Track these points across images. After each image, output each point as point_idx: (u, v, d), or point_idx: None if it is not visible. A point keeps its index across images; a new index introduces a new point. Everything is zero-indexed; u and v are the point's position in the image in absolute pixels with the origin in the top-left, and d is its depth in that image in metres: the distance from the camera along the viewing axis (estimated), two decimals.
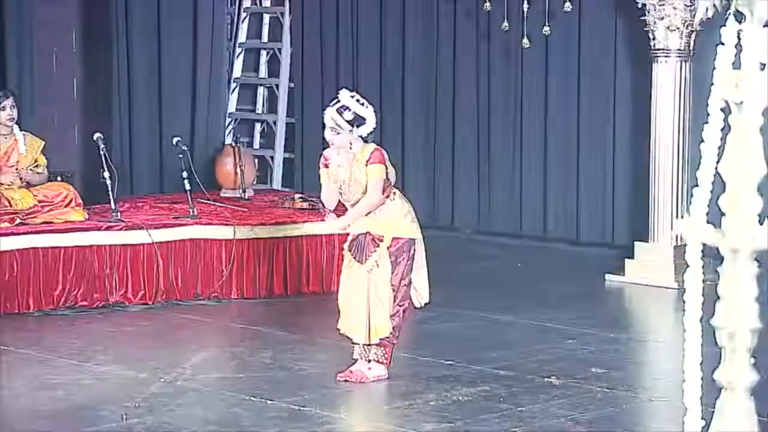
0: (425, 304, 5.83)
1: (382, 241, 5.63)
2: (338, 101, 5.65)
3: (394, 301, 5.62)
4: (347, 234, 5.81)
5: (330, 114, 5.62)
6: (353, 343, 5.73)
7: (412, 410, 5.30)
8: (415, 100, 10.18)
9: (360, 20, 10.23)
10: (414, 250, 5.69)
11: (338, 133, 5.62)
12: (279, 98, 10.57)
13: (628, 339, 6.69)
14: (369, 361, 5.70)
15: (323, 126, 5.69)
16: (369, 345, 5.68)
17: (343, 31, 10.30)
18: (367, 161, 5.63)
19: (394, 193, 5.73)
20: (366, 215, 5.67)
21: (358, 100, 5.66)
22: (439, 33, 9.91)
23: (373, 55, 10.15)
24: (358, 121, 5.63)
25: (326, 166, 5.75)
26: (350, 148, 5.66)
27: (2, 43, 8.69)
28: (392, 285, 5.60)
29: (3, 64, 8.66)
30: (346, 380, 5.66)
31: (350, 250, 5.73)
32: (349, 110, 5.61)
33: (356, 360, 5.73)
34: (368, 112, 5.66)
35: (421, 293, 5.77)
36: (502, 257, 9.27)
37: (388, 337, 5.65)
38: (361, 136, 5.66)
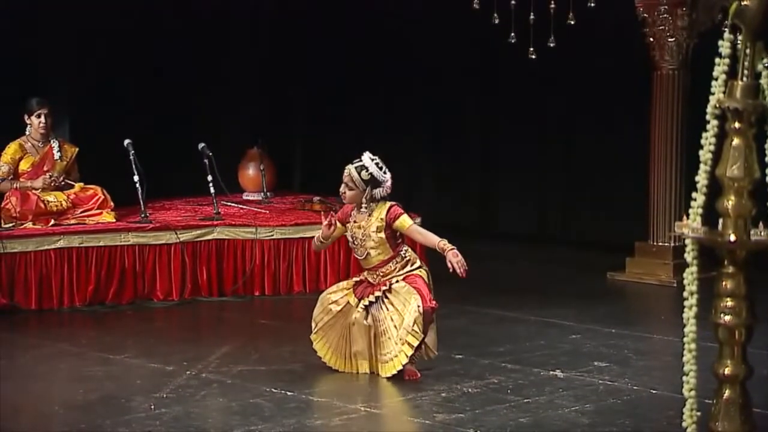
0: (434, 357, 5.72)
1: (392, 282, 5.60)
2: (359, 161, 5.67)
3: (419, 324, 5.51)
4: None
5: (349, 171, 5.65)
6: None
7: (423, 401, 5.29)
8: (417, 101, 10.18)
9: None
10: (428, 282, 5.64)
11: (351, 189, 5.64)
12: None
13: (629, 334, 6.66)
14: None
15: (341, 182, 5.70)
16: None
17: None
18: (390, 219, 5.60)
19: (407, 249, 5.72)
20: (382, 270, 5.62)
21: (377, 164, 5.66)
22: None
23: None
24: (373, 183, 5.64)
25: (342, 221, 5.74)
26: (362, 206, 5.65)
27: None
28: (417, 297, 5.51)
29: None
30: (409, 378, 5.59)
31: (354, 291, 5.70)
32: (367, 171, 5.64)
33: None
34: (386, 177, 5.67)
35: (431, 348, 5.67)
36: (507, 257, 9.24)
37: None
38: (372, 199, 5.65)
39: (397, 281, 5.61)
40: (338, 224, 5.76)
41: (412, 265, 5.67)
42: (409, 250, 5.76)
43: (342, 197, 5.75)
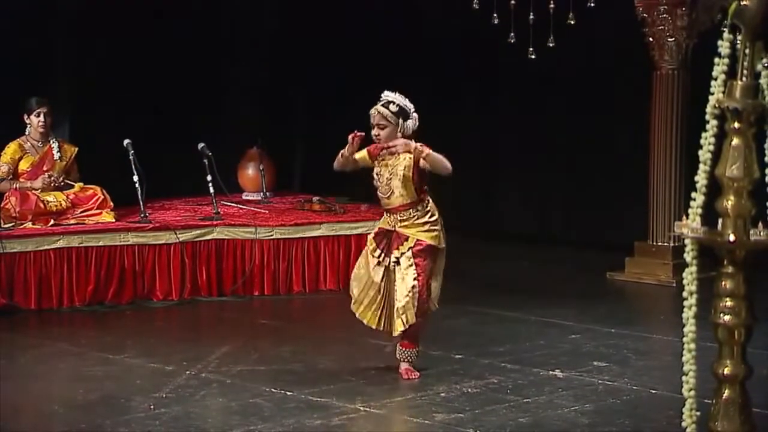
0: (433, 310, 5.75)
1: (406, 240, 5.58)
2: (383, 99, 5.63)
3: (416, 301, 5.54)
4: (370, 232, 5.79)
5: (376, 109, 5.59)
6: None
7: (423, 401, 5.29)
8: (417, 101, 10.17)
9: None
10: (434, 258, 5.62)
11: (385, 127, 5.57)
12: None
13: (629, 334, 6.66)
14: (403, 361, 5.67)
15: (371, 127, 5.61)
16: (399, 337, 5.64)
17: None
18: (426, 154, 5.50)
19: (429, 201, 5.67)
20: (402, 215, 5.58)
21: (402, 96, 5.63)
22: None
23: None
24: (403, 113, 5.58)
25: (372, 154, 5.63)
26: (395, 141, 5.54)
27: None
28: (417, 284, 5.53)
29: None
30: (405, 378, 5.62)
31: (375, 239, 5.68)
32: (394, 103, 5.59)
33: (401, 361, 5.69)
34: (411, 107, 5.63)
35: (432, 300, 5.70)
36: (506, 257, 9.24)
37: (410, 332, 5.59)
38: (405, 135, 5.57)
39: (409, 250, 5.54)
40: (367, 156, 5.65)
41: (431, 217, 5.60)
42: (431, 203, 5.68)
43: (376, 140, 5.61)
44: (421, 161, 5.51)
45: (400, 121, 5.58)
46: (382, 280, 5.63)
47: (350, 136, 5.59)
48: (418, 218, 5.59)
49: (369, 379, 5.64)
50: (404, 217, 5.60)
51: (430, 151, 5.51)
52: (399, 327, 5.59)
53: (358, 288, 5.71)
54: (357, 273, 5.76)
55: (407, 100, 5.63)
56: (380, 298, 5.66)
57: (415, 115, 5.63)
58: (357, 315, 5.73)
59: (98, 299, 7.35)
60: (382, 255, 5.62)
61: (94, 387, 5.49)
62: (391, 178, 5.59)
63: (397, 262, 5.58)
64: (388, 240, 5.63)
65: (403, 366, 5.67)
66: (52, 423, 5.07)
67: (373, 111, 5.60)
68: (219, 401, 5.27)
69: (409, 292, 5.52)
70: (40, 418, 5.19)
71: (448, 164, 5.51)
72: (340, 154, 5.65)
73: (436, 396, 5.36)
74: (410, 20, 10.09)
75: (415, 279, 5.52)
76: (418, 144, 5.53)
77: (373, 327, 5.72)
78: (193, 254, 7.63)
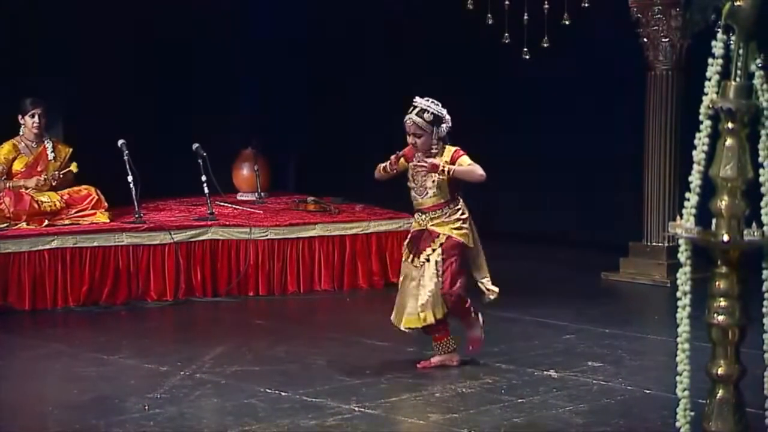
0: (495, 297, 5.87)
1: (437, 237, 5.68)
2: (415, 107, 5.70)
3: (447, 297, 5.67)
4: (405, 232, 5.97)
5: (411, 119, 5.67)
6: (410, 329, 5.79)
7: (418, 401, 5.29)
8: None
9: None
10: (464, 256, 5.72)
11: (421, 136, 5.66)
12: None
13: (623, 334, 6.67)
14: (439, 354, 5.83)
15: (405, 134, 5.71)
16: (439, 335, 5.78)
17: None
18: (453, 160, 5.66)
19: (460, 201, 5.77)
20: (433, 213, 5.68)
21: (433, 102, 5.71)
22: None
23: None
24: (437, 120, 5.68)
25: (407, 158, 5.73)
26: (433, 148, 5.67)
27: None
28: (441, 280, 5.65)
29: None
30: (424, 368, 5.77)
31: (408, 247, 5.80)
32: (428, 112, 5.68)
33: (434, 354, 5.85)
34: (444, 111, 5.73)
35: (491, 288, 5.82)
36: (502, 257, 9.23)
37: (438, 327, 5.73)
38: (440, 139, 5.69)
39: (439, 246, 5.65)
40: (404, 160, 5.76)
41: (462, 215, 5.72)
42: (463, 202, 5.79)
43: (413, 147, 5.71)
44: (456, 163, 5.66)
45: (434, 129, 5.68)
46: (408, 279, 5.75)
47: (393, 157, 5.74)
48: (449, 215, 5.72)
49: (364, 379, 5.64)
50: (436, 215, 5.72)
51: (455, 168, 5.64)
52: (414, 324, 5.70)
53: (400, 294, 5.84)
54: (401, 281, 5.88)
55: (439, 105, 5.72)
56: (401, 298, 5.79)
57: (447, 117, 5.73)
58: (406, 323, 5.81)
59: (93, 300, 7.35)
60: (414, 258, 5.73)
61: (89, 387, 5.48)
62: (425, 180, 5.71)
63: (428, 259, 5.69)
64: (419, 240, 5.75)
65: (436, 358, 5.81)
66: (46, 423, 5.06)
67: (407, 120, 5.69)
68: (213, 402, 5.27)
69: (432, 290, 5.65)
70: (34, 418, 5.18)
71: (476, 173, 5.66)
72: (381, 169, 5.80)
73: (431, 396, 5.36)
74: (406, 18, 10.09)
75: (439, 276, 5.65)
76: (443, 163, 5.65)
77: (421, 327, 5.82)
78: (188, 254, 7.62)
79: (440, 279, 5.66)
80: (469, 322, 5.86)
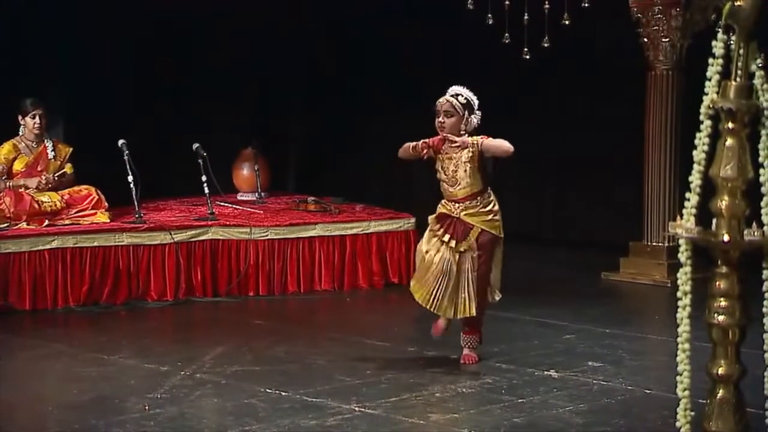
0: (498, 299, 5.90)
1: (471, 229, 5.70)
2: (451, 91, 5.73)
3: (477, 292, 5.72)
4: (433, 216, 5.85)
5: (445, 98, 5.70)
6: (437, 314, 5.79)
7: (418, 401, 5.29)
8: (415, 102, 10.16)
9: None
10: (495, 248, 5.78)
11: (452, 116, 5.67)
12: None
13: (624, 334, 6.66)
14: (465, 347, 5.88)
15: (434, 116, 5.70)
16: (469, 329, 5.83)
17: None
18: (481, 144, 5.66)
19: (491, 192, 5.79)
20: (466, 203, 5.68)
21: (469, 92, 5.75)
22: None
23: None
24: (470, 107, 5.71)
25: (435, 148, 5.71)
26: (461, 134, 5.66)
27: None
28: (477, 276, 5.70)
29: None
30: (464, 363, 5.83)
31: (438, 221, 5.75)
32: (463, 96, 5.72)
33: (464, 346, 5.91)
34: (476, 103, 5.74)
35: (493, 288, 5.84)
36: (503, 257, 9.23)
37: (473, 322, 5.79)
38: (468, 130, 5.69)
39: (474, 241, 5.67)
40: (432, 151, 5.74)
41: (494, 206, 5.75)
42: (493, 194, 5.80)
43: (439, 129, 5.71)
44: (483, 147, 5.66)
45: (466, 113, 5.70)
46: (443, 263, 5.70)
47: (422, 142, 5.69)
48: (482, 207, 5.73)
49: (364, 379, 5.64)
50: (469, 205, 5.73)
51: (484, 141, 5.67)
52: (461, 314, 5.74)
53: (419, 262, 5.82)
54: (419, 249, 5.85)
55: (475, 96, 5.73)
56: (435, 280, 5.73)
57: (478, 112, 5.75)
58: (411, 288, 5.82)
59: (93, 300, 7.35)
60: (449, 237, 5.70)
61: (89, 387, 5.48)
62: (456, 170, 5.71)
63: (464, 252, 5.69)
64: (452, 224, 5.73)
65: (465, 351, 5.86)
66: (46, 423, 5.06)
67: (441, 100, 5.72)
68: (214, 402, 5.27)
69: (474, 283, 5.69)
70: (34, 418, 5.18)
71: (505, 145, 5.67)
72: (409, 146, 5.74)
73: (431, 396, 5.36)
74: (407, 18, 10.08)
75: (477, 271, 5.69)
76: (473, 139, 5.68)
77: (422, 305, 5.80)
78: (188, 254, 7.62)
79: (478, 273, 5.69)
80: (479, 324, 5.87)
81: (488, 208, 5.75)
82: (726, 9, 3.03)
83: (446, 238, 5.72)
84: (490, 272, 5.77)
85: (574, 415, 5.08)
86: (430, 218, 5.85)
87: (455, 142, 5.67)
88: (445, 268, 5.70)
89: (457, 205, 5.75)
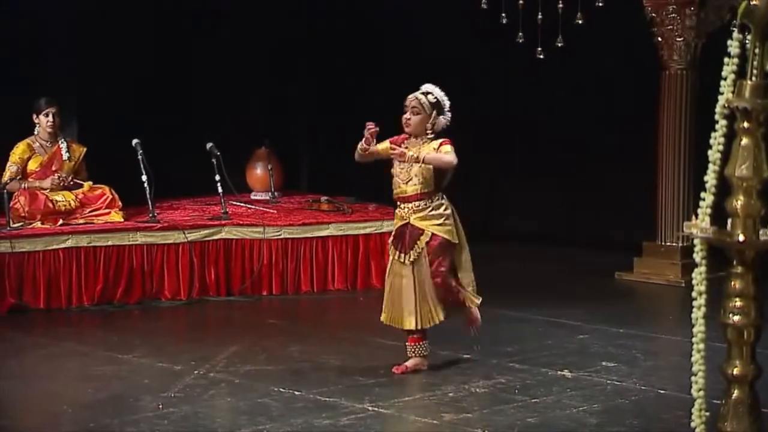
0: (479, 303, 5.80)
1: (422, 234, 5.60)
2: (421, 89, 5.62)
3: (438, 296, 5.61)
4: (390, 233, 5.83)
5: (414, 95, 5.59)
6: (404, 331, 5.72)
7: (431, 401, 5.29)
8: None
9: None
10: (451, 253, 5.64)
11: (418, 113, 5.56)
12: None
13: (637, 334, 6.65)
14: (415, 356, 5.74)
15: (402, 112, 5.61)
16: (416, 336, 5.69)
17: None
18: (439, 145, 5.55)
19: (443, 196, 5.68)
20: (416, 205, 5.58)
21: (442, 93, 5.64)
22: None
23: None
24: (439, 107, 5.59)
25: (393, 142, 5.63)
26: (427, 133, 5.56)
27: None
28: (434, 280, 5.58)
29: None
30: (402, 373, 5.68)
31: (393, 245, 5.70)
32: (433, 95, 5.60)
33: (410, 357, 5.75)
34: (447, 105, 5.62)
35: (470, 292, 5.74)
36: (515, 257, 9.23)
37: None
38: (435, 129, 5.57)
39: (425, 246, 5.56)
40: (389, 147, 5.62)
41: (445, 210, 5.61)
42: (446, 199, 5.68)
43: (405, 126, 5.62)
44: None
45: (434, 113, 5.58)
46: (398, 277, 5.65)
47: (366, 132, 5.58)
48: (432, 210, 5.61)
49: (377, 378, 5.64)
50: (418, 208, 5.61)
51: (424, 155, 5.53)
52: (411, 325, 5.65)
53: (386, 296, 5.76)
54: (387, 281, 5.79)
55: (446, 97, 5.63)
56: (390, 295, 5.69)
57: (448, 114, 5.63)
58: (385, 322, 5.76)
59: (107, 299, 7.37)
60: (402, 255, 5.63)
61: (103, 386, 5.50)
62: (411, 167, 5.59)
63: (416, 259, 5.60)
64: (403, 237, 5.64)
65: (411, 362, 5.72)
66: (60, 422, 5.07)
67: (411, 96, 5.60)
68: (227, 401, 5.28)
69: (424, 291, 5.58)
70: (49, 417, 5.19)
71: (444, 159, 5.52)
72: (359, 147, 5.65)
73: (445, 396, 5.36)
74: (414, 18, 10.08)
75: (430, 277, 5.57)
76: (411, 154, 5.55)
77: (388, 324, 5.76)
78: (202, 254, 7.64)
79: (433, 280, 5.58)
80: (460, 301, 5.72)
81: (439, 212, 5.60)
82: (741, 8, 3.02)
83: (398, 256, 5.63)
84: (444, 280, 5.59)
85: (587, 415, 5.07)
86: (389, 243, 5.77)
87: (398, 155, 5.55)
88: (402, 284, 5.62)
89: (406, 206, 5.62)
